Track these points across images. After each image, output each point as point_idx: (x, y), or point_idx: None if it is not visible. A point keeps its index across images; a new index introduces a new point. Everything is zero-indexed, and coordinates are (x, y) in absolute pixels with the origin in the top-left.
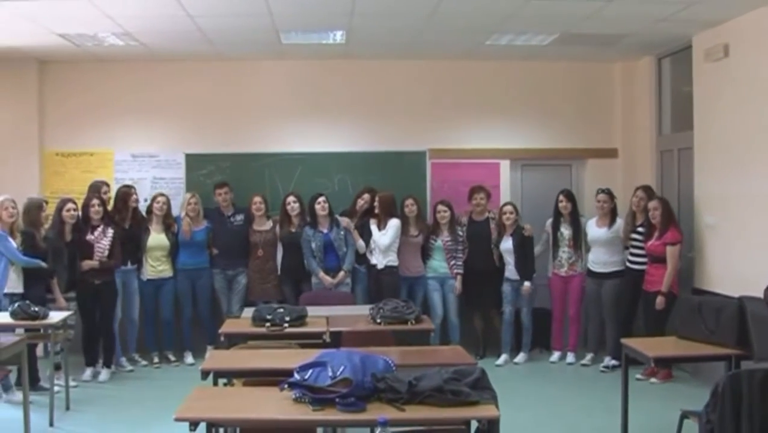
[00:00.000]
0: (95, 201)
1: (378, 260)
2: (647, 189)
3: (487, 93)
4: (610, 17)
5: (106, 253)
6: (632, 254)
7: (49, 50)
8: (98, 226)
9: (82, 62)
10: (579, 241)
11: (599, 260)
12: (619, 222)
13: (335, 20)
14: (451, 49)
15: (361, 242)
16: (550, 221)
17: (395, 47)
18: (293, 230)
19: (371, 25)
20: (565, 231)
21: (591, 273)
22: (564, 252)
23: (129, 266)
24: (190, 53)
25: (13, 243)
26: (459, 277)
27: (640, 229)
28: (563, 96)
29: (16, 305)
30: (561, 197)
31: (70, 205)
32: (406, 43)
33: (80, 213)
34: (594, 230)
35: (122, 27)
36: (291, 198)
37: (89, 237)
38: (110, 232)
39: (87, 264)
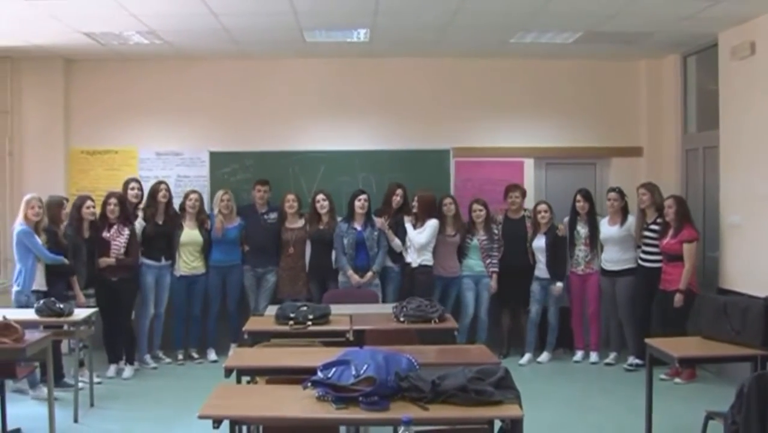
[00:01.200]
0: (113, 199)
1: (413, 259)
2: (648, 185)
3: (512, 91)
4: (635, 15)
5: (123, 250)
6: (644, 252)
7: (75, 49)
8: (114, 224)
9: (107, 61)
10: (595, 240)
11: (612, 258)
12: (631, 220)
13: (359, 18)
14: (475, 47)
15: (397, 241)
16: (566, 219)
17: (419, 45)
18: (321, 227)
19: (395, 23)
20: (582, 230)
21: (604, 272)
22: (580, 251)
23: (162, 261)
24: (215, 51)
25: (39, 240)
26: (495, 275)
27: (653, 226)
28: (588, 94)
29: (42, 302)
30: (578, 197)
31: (89, 202)
32: (429, 42)
33: (98, 210)
34: (606, 228)
35: (147, 26)
36: (320, 196)
37: (105, 234)
38: (126, 230)
39: (104, 261)
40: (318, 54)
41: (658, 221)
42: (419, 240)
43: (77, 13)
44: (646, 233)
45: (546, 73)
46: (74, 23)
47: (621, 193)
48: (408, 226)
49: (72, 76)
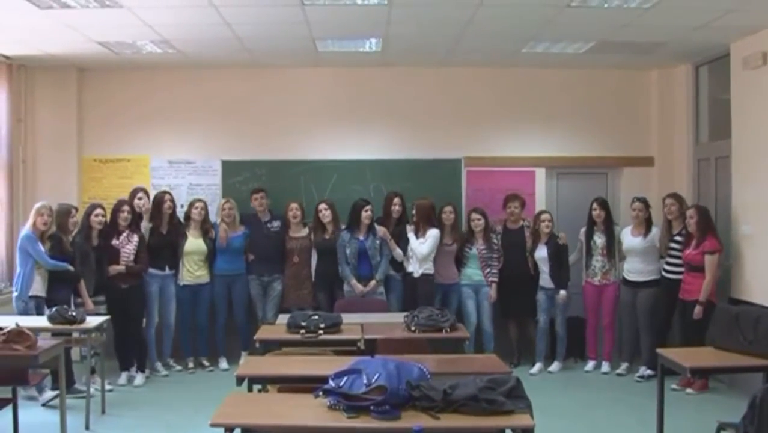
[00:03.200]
0: (125, 207)
1: (414, 268)
2: (676, 196)
3: (523, 101)
4: (647, 25)
5: (132, 258)
6: (668, 264)
7: (89, 58)
8: (123, 231)
9: (120, 70)
10: (612, 249)
11: (634, 269)
12: (655, 231)
13: (371, 28)
14: (487, 56)
15: (399, 251)
16: (583, 229)
17: (431, 55)
18: (327, 236)
19: (407, 32)
20: (599, 240)
21: (626, 282)
22: (597, 261)
23: (167, 271)
24: (227, 61)
25: (42, 247)
26: (494, 285)
27: (677, 238)
28: (599, 104)
29: (54, 309)
30: (594, 205)
31: (98, 210)
32: (441, 51)
33: (108, 218)
34: (629, 239)
35: (160, 35)
36: (322, 206)
37: (114, 242)
38: (135, 238)
39: (113, 269)
40: (330, 63)
41: (683, 232)
42: (421, 251)
43: (91, 23)
44: (672, 244)
45: (558, 82)
46: (88, 32)
47: (646, 204)
48: (411, 236)
49: (85, 85)
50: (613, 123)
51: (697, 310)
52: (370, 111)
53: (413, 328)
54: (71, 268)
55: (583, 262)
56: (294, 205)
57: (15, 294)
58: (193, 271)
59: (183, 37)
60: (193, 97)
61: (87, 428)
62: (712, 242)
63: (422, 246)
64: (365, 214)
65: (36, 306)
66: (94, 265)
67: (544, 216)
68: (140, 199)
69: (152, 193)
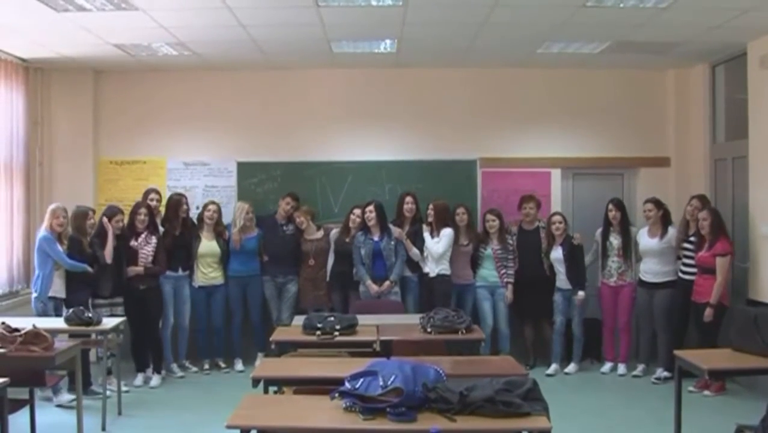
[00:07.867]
0: (142, 209)
1: (431, 268)
2: (702, 198)
3: (539, 101)
4: (663, 25)
5: (150, 259)
6: (684, 264)
7: (105, 60)
8: (142, 233)
9: (136, 72)
10: (628, 250)
11: (651, 270)
12: (672, 232)
13: (386, 29)
14: (502, 57)
15: (415, 251)
16: (599, 230)
17: (446, 56)
18: (347, 239)
19: (422, 33)
20: (614, 241)
21: (642, 283)
22: (613, 262)
23: (181, 272)
24: (243, 62)
25: (60, 247)
26: (510, 286)
27: (692, 239)
28: (615, 104)
29: (71, 310)
30: (610, 206)
31: (119, 216)
32: (456, 52)
33: (126, 220)
34: (646, 240)
35: (176, 37)
36: (357, 211)
37: (133, 243)
38: (154, 239)
39: (132, 270)
40: (345, 64)
41: (695, 233)
42: (436, 250)
43: (107, 25)
44: (686, 245)
45: (573, 83)
46: (104, 35)
47: (657, 204)
48: (426, 236)
49: (101, 87)
50: (629, 123)
51: (708, 312)
52: (385, 112)
53: (429, 329)
54: (90, 269)
55: (599, 263)
56: (298, 213)
57: (34, 295)
58: (206, 273)
59: (198, 39)
60: (208, 98)
61: (103, 429)
62: (724, 244)
63: (437, 245)
64: (367, 216)
65: (55, 307)
66: (113, 266)
67: (555, 218)
68: (152, 200)
69: (167, 195)
